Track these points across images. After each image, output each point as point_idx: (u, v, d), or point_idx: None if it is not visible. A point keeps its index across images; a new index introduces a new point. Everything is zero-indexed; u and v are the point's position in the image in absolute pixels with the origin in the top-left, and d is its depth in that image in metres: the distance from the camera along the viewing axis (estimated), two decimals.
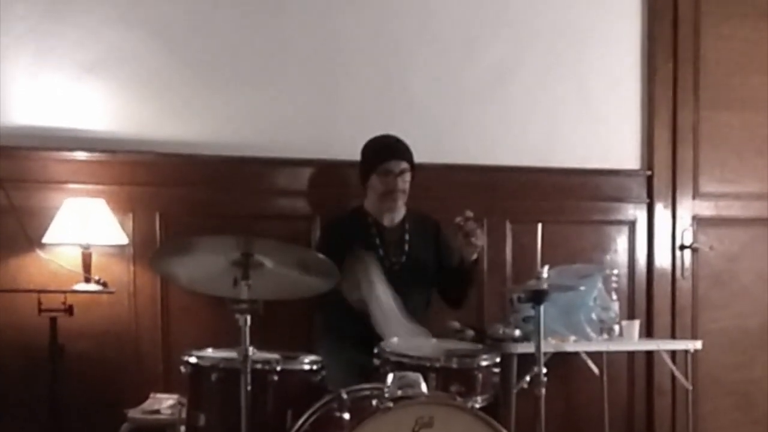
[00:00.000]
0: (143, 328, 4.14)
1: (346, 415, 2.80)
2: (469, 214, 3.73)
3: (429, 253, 4.00)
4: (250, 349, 2.86)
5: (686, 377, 4.42)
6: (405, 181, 3.93)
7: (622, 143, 4.84)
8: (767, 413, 4.98)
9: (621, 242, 4.82)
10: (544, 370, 3.50)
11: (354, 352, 3.54)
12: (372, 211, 3.99)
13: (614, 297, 4.45)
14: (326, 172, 4.40)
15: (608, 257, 4.77)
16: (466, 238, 3.75)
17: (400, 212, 4.01)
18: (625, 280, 4.76)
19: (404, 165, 3.92)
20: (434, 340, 3.53)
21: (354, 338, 3.60)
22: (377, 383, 3.01)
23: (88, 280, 3.89)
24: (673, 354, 4.53)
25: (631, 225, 4.84)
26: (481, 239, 3.81)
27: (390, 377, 2.86)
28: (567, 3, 4.75)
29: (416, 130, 4.12)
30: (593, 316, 4.31)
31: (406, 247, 3.96)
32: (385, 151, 3.94)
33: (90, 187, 4.08)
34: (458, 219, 3.74)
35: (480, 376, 3.20)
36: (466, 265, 3.89)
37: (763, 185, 4.99)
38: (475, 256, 3.86)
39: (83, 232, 3.86)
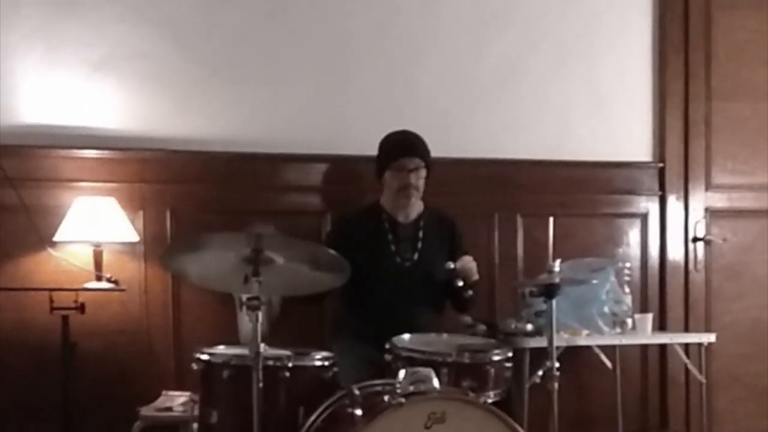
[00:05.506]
0: (155, 325, 4.15)
1: (359, 411, 2.78)
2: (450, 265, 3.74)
3: (443, 252, 3.94)
4: (262, 345, 2.85)
5: (700, 370, 4.40)
6: (419, 178, 3.90)
7: (633, 135, 4.82)
8: None
9: (633, 235, 4.80)
10: (557, 365, 3.47)
11: (368, 348, 3.53)
12: (387, 207, 3.97)
13: (627, 290, 4.44)
14: (336, 167, 4.39)
15: (620, 250, 4.75)
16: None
17: (416, 209, 3.98)
18: (637, 273, 4.75)
19: (418, 162, 3.89)
20: (446, 335, 3.53)
21: (369, 334, 3.59)
22: (389, 379, 3.00)
23: (99, 278, 3.91)
24: (686, 347, 4.51)
25: (644, 218, 4.82)
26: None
27: (402, 373, 2.86)
28: None
29: (426, 124, 4.09)
30: (606, 309, 4.30)
31: (419, 245, 3.93)
32: (400, 147, 3.92)
33: (100, 185, 4.09)
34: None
35: (492, 370, 3.21)
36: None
37: None
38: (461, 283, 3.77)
39: (94, 230, 3.87)
